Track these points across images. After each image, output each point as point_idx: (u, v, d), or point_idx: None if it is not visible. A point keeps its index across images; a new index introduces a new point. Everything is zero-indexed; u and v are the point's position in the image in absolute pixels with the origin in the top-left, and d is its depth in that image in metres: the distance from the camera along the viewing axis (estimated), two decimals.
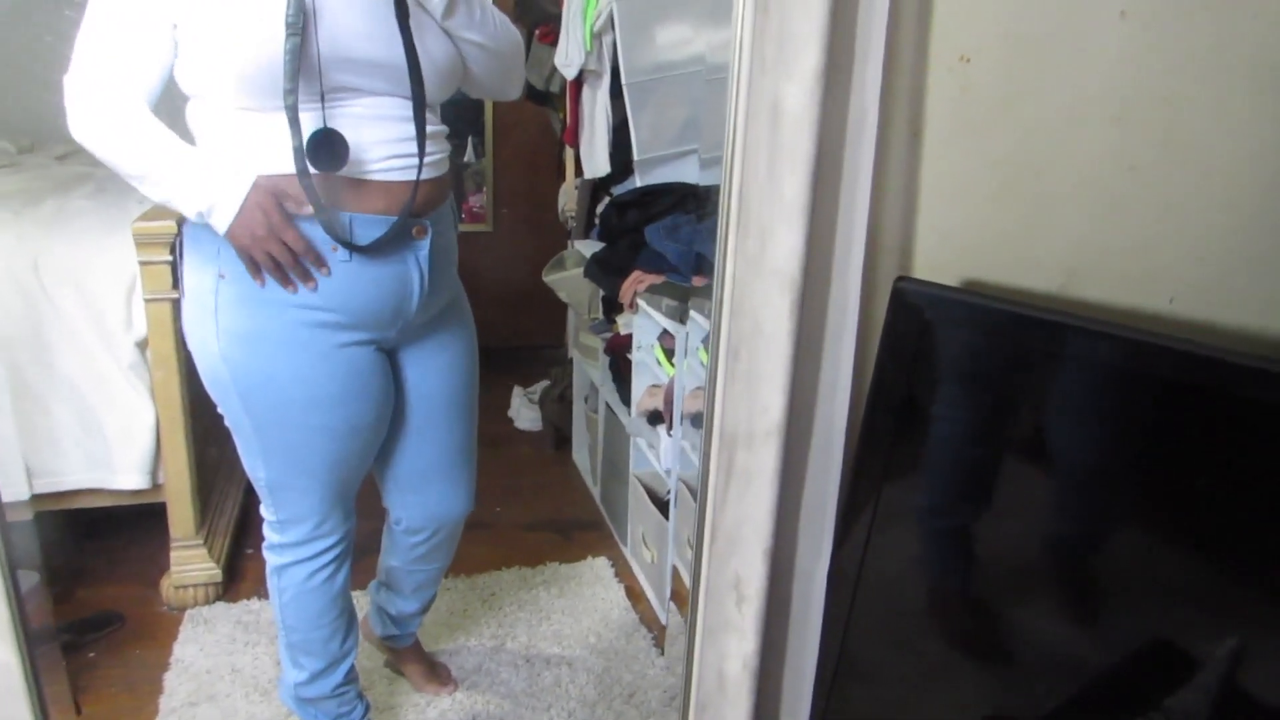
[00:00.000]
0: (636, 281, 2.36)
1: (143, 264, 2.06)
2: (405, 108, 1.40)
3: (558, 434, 3.22)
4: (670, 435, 2.15)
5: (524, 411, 3.39)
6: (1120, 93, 1.04)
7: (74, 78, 1.31)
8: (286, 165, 1.33)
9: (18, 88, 3.07)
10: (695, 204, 2.35)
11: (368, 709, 1.79)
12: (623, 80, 2.60)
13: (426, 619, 1.98)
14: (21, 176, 2.78)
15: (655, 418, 2.27)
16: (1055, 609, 1.04)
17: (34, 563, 1.57)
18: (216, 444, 2.45)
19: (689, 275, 2.20)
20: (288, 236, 1.34)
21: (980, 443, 1.00)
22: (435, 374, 1.62)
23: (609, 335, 2.63)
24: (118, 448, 2.20)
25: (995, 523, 1.03)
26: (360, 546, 1.73)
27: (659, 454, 2.24)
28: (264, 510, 1.59)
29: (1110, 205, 1.08)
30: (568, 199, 3.28)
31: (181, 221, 1.45)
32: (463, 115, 3.78)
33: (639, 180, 2.71)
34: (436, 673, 2.04)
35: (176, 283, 1.49)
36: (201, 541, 2.27)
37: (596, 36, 2.64)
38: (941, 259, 1.04)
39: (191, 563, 2.26)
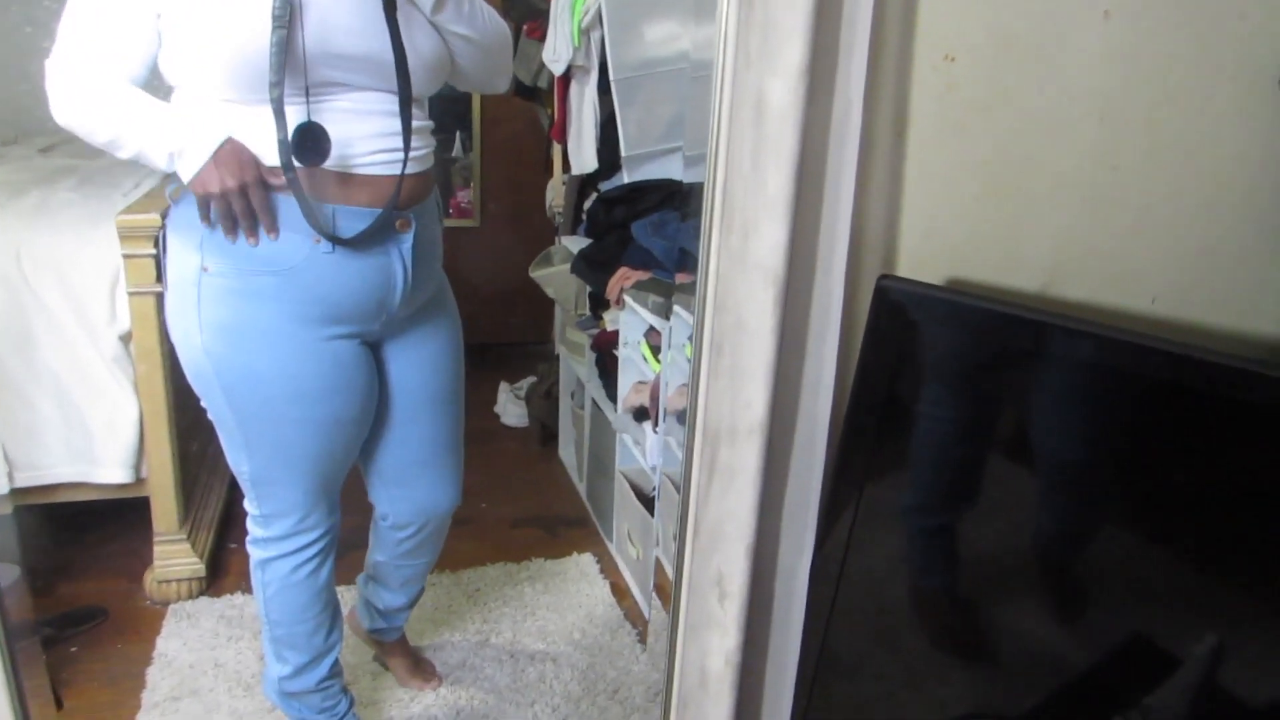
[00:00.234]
0: (623, 278, 2.36)
1: (127, 257, 2.05)
2: (391, 102, 1.40)
3: (544, 430, 3.22)
4: (656, 432, 2.15)
5: (510, 408, 3.38)
6: (1104, 93, 1.05)
7: (55, 62, 1.31)
8: (270, 158, 1.33)
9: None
10: (682, 200, 2.35)
11: (352, 703, 1.79)
12: (610, 76, 2.60)
13: (412, 614, 1.98)
14: (4, 169, 2.76)
15: (641, 414, 2.27)
16: (1036, 607, 1.05)
17: (14, 556, 1.56)
18: (200, 438, 2.44)
19: (675, 272, 2.20)
20: (253, 195, 1.33)
21: (963, 441, 1.00)
22: (419, 367, 1.62)
23: (595, 331, 2.63)
24: (101, 441, 2.19)
25: (977, 521, 1.03)
26: (347, 541, 1.72)
27: (645, 450, 2.24)
28: (248, 504, 1.59)
29: (1093, 205, 1.08)
30: (555, 195, 3.28)
31: (165, 214, 1.44)
32: (450, 110, 3.77)
33: (627, 176, 2.71)
34: (421, 668, 2.04)
35: (160, 276, 1.48)
36: (185, 536, 2.26)
37: (585, 32, 2.64)
38: (925, 257, 1.04)
39: (175, 557, 2.25)
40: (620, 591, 2.39)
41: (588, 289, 2.65)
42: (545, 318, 3.58)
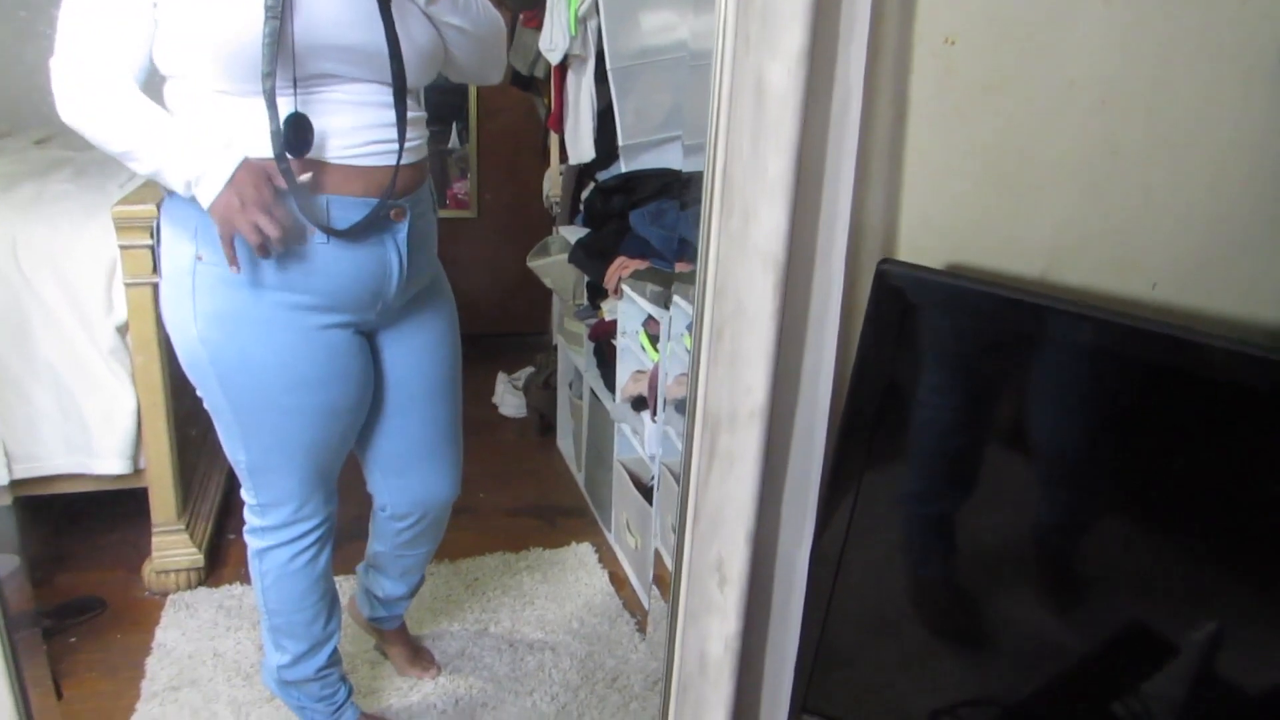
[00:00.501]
0: (621, 267, 2.36)
1: (123, 248, 2.05)
2: (385, 93, 1.39)
3: (542, 420, 3.22)
4: (654, 421, 2.15)
5: (508, 398, 3.38)
6: (1104, 77, 1.04)
7: (59, 60, 1.30)
8: (262, 149, 1.33)
9: None
10: (680, 189, 2.35)
11: (350, 692, 1.79)
12: (607, 65, 2.59)
13: (411, 603, 1.98)
14: None
15: (640, 403, 2.27)
16: (1035, 594, 1.05)
17: (14, 547, 1.56)
18: (198, 428, 2.43)
19: (674, 261, 2.20)
20: (277, 212, 1.33)
21: (962, 427, 1.00)
22: (415, 356, 1.62)
23: (593, 321, 2.62)
24: (98, 433, 2.19)
25: (976, 507, 1.03)
26: (346, 531, 1.72)
27: (643, 440, 2.24)
28: (245, 494, 1.59)
29: (1094, 190, 1.08)
30: (552, 185, 3.27)
31: (160, 204, 1.44)
32: (447, 101, 3.76)
33: (624, 166, 2.70)
34: (420, 657, 2.04)
35: (156, 266, 1.48)
36: (183, 526, 2.26)
37: (581, 21, 2.63)
38: (925, 242, 1.04)
39: (173, 548, 2.25)
40: (618, 581, 2.40)
41: (585, 279, 2.65)
42: (543, 308, 3.57)
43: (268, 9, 1.25)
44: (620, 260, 2.39)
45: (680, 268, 2.12)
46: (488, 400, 3.42)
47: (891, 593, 1.07)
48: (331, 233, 1.38)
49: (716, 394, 0.90)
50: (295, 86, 1.31)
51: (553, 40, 2.74)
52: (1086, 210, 1.08)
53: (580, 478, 2.88)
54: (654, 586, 2.17)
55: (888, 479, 1.01)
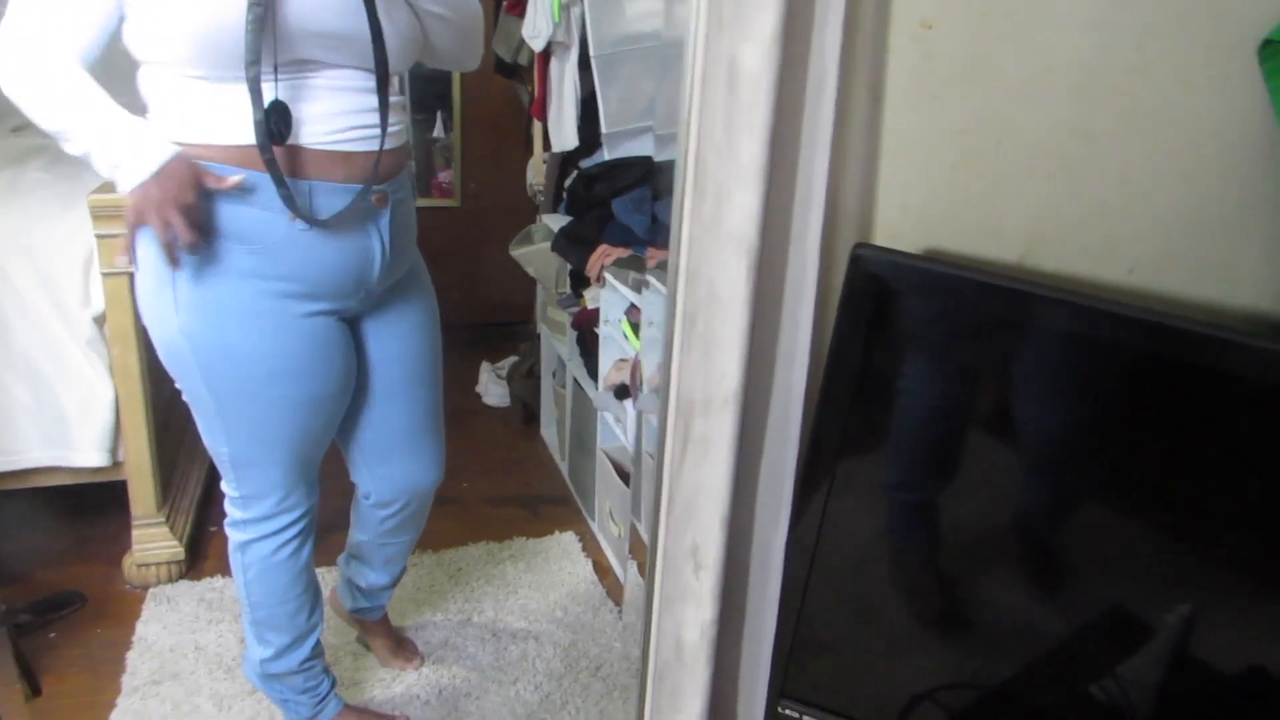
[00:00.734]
0: (603, 255, 2.35)
1: (100, 237, 2.03)
2: (366, 79, 1.39)
3: (526, 410, 3.21)
4: (637, 409, 2.14)
5: (492, 387, 3.37)
6: (1081, 62, 1.04)
7: (4, 33, 1.28)
8: (242, 137, 1.31)
9: None
10: (652, 178, 2.34)
11: (334, 684, 1.79)
12: (591, 52, 2.57)
13: (394, 594, 1.97)
14: None
15: (622, 392, 2.27)
16: (1015, 578, 1.05)
17: None
18: (178, 420, 2.42)
19: (647, 247, 2.20)
20: (191, 216, 1.30)
21: (937, 411, 1.00)
22: (397, 342, 1.62)
23: (576, 309, 2.62)
24: (76, 425, 2.17)
25: (954, 492, 1.03)
26: (327, 524, 1.71)
27: (626, 428, 2.24)
28: (226, 486, 1.58)
29: (1071, 175, 1.08)
30: (536, 173, 3.26)
31: None
32: (430, 89, 3.74)
33: (607, 153, 2.69)
34: (403, 647, 2.04)
35: (132, 257, 1.46)
36: (164, 519, 2.25)
37: (565, 8, 2.61)
38: (902, 227, 1.03)
39: (154, 541, 2.24)
40: (602, 569, 2.40)
41: (568, 267, 2.64)
42: (527, 297, 3.57)
43: None
44: (603, 248, 2.38)
45: (652, 254, 2.11)
46: (471, 390, 3.41)
47: (870, 578, 1.07)
48: (314, 222, 1.37)
49: (690, 380, 0.89)
50: (276, 73, 1.30)
51: (536, 27, 2.72)
52: (1064, 195, 1.08)
53: (564, 467, 2.88)
54: (631, 567, 2.16)
55: (864, 464, 1.00)
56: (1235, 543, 0.94)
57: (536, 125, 3.15)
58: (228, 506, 1.59)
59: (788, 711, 1.08)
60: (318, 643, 1.73)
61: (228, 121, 1.31)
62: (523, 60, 3.01)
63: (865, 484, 1.01)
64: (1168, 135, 1.08)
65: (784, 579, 1.02)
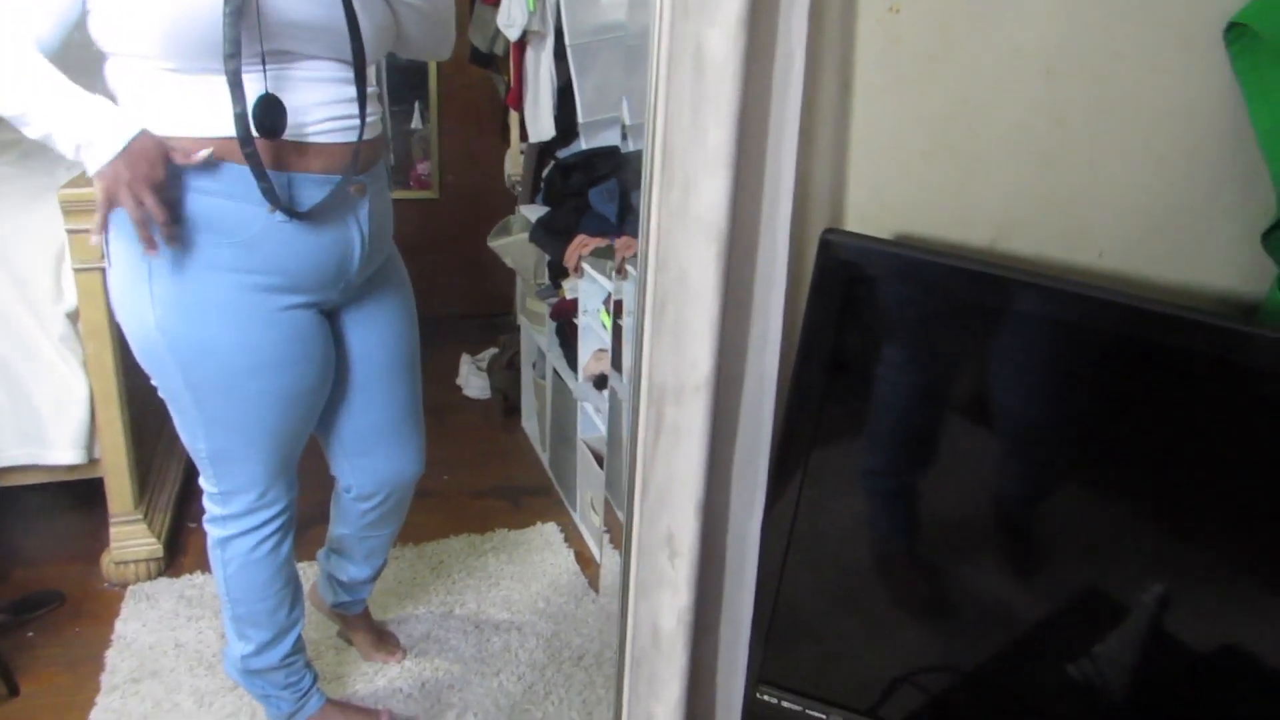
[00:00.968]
0: (581, 245, 2.35)
1: (71, 232, 2.01)
2: (340, 70, 1.38)
3: (506, 401, 3.21)
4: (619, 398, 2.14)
5: (472, 379, 3.36)
6: (1050, 47, 1.04)
7: None
8: (219, 130, 1.30)
9: None
10: (629, 168, 2.34)
11: (315, 678, 1.78)
12: (566, 42, 2.56)
13: (375, 588, 1.97)
14: None
15: (602, 382, 2.27)
16: (993, 561, 1.06)
17: None
18: (155, 416, 2.40)
19: (617, 237, 2.19)
20: (163, 194, 1.29)
21: (911, 396, 1.00)
22: (375, 333, 1.61)
23: (555, 300, 2.61)
24: (50, 422, 2.15)
25: (926, 476, 1.03)
26: (307, 517, 1.71)
27: (606, 418, 2.23)
28: (204, 482, 1.56)
29: (1040, 159, 1.08)
30: (514, 164, 3.25)
31: None
32: (407, 80, 3.72)
33: (584, 143, 2.68)
34: (385, 641, 2.03)
35: (105, 252, 1.45)
36: (141, 516, 2.23)
37: None
38: (872, 213, 1.03)
39: (132, 538, 2.22)
40: (584, 559, 2.40)
41: (546, 258, 2.63)
42: (506, 288, 3.55)
43: None
44: (580, 238, 2.38)
45: (620, 243, 2.11)
46: (452, 382, 3.40)
47: (847, 562, 1.07)
48: (294, 214, 1.36)
49: (661, 368, 0.89)
50: (264, 64, 1.29)
51: (511, 16, 2.71)
52: (1034, 179, 1.08)
53: (545, 458, 2.88)
54: (606, 540, 2.16)
55: (837, 449, 1.01)
56: (1208, 523, 0.94)
57: (514, 115, 3.14)
58: (206, 502, 1.58)
59: (766, 697, 1.08)
60: (299, 638, 1.72)
61: (203, 114, 1.30)
62: (498, 50, 3.00)
63: (839, 469, 1.01)
64: (1137, 118, 1.08)
65: (760, 565, 1.02)
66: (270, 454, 1.52)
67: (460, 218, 3.73)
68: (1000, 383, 0.99)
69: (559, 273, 2.58)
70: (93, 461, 2.21)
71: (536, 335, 2.83)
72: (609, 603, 2.20)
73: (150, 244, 1.32)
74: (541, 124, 2.76)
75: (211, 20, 1.23)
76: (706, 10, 0.80)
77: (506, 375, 3.18)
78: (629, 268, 2.00)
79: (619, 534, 1.54)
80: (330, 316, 1.55)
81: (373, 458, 1.70)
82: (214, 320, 1.39)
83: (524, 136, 2.97)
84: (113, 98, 1.35)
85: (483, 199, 3.68)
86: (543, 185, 2.81)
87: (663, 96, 0.82)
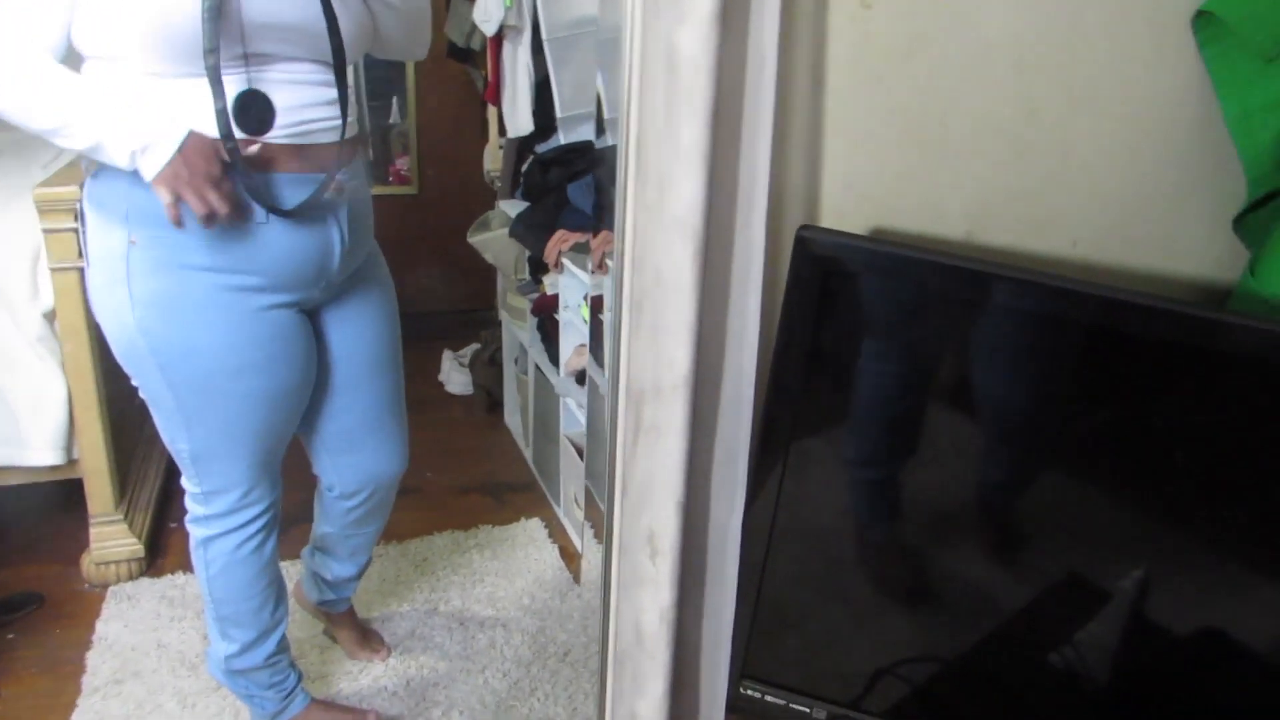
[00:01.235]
0: (561, 240, 2.34)
1: (47, 232, 1.99)
2: (323, 71, 1.38)
3: (489, 397, 3.20)
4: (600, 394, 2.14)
5: (454, 375, 3.35)
6: (1019, 39, 1.05)
7: None
8: (206, 130, 1.29)
9: None
10: (605, 164, 2.33)
11: (300, 678, 1.78)
12: (543, 36, 2.55)
13: (359, 586, 1.96)
14: None
15: (583, 377, 2.27)
16: (974, 551, 1.06)
17: None
18: (134, 415, 2.39)
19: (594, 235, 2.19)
20: (224, 188, 1.30)
21: (889, 390, 1.01)
22: (357, 331, 1.61)
23: (536, 296, 2.61)
24: (28, 423, 2.14)
25: (905, 469, 1.04)
26: (291, 516, 1.70)
27: (587, 413, 2.24)
28: (186, 482, 1.56)
29: (1013, 151, 1.09)
30: (493, 159, 3.24)
31: (83, 185, 1.40)
32: (383, 76, 3.70)
33: (563, 138, 2.67)
34: (369, 639, 2.03)
35: (83, 252, 1.43)
36: (122, 517, 2.22)
37: None
38: (848, 208, 1.04)
39: (112, 539, 2.21)
40: (569, 555, 2.40)
41: (527, 253, 2.63)
42: (488, 284, 3.54)
43: None
44: (560, 234, 2.37)
45: (594, 241, 2.11)
46: (434, 378, 3.39)
47: (829, 555, 1.08)
48: (277, 212, 1.36)
49: (639, 366, 0.89)
50: (247, 62, 1.29)
51: (487, 11, 2.70)
52: (1007, 171, 1.08)
53: (528, 453, 2.88)
54: (588, 533, 2.16)
55: (817, 445, 1.01)
56: (1186, 508, 0.95)
57: (492, 110, 3.13)
58: (189, 503, 1.58)
59: (750, 692, 1.09)
60: (283, 637, 1.72)
61: (191, 117, 1.30)
62: (475, 45, 2.98)
63: (819, 465, 1.01)
64: (1107, 108, 1.09)
65: (741, 561, 1.02)
66: (253, 454, 1.51)
67: (440, 213, 3.71)
68: (978, 373, 1.00)
69: (539, 268, 2.58)
70: (72, 462, 2.19)
71: (518, 330, 2.82)
72: (592, 596, 2.21)
73: (208, 222, 1.31)
74: (519, 119, 2.75)
75: (190, 21, 1.23)
76: (678, 7, 0.80)
77: (489, 371, 3.18)
78: (608, 263, 2.00)
79: (601, 526, 1.55)
80: (312, 315, 1.55)
81: (357, 455, 1.70)
82: (194, 321, 1.38)
83: (503, 131, 2.96)
84: None
85: (462, 194, 3.66)
86: (522, 180, 2.80)
87: (636, 94, 0.82)
